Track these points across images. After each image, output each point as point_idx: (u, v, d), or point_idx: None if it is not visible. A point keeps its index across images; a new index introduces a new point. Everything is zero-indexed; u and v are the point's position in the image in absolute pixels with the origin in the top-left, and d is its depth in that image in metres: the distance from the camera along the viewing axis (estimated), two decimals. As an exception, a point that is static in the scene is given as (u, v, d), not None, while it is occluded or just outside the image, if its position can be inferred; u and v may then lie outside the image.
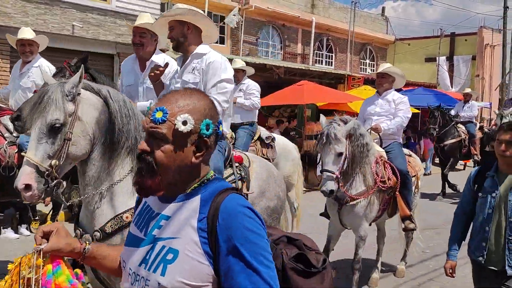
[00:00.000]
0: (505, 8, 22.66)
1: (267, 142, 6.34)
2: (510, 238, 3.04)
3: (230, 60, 6.46)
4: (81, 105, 2.57)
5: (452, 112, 11.23)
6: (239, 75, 6.74)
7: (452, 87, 24.54)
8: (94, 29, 10.99)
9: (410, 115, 5.30)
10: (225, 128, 3.40)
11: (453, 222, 3.46)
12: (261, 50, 20.04)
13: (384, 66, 5.41)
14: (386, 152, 4.93)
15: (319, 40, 22.55)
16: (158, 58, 4.11)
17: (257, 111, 6.78)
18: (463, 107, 11.47)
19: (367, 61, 25.41)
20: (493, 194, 3.13)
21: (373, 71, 22.75)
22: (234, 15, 14.70)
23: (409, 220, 4.86)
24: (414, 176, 5.13)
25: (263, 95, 15.62)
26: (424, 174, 14.22)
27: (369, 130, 4.86)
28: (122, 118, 2.66)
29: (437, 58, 24.61)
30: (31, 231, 6.71)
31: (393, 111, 5.19)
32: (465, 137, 10.70)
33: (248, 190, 3.45)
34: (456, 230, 3.42)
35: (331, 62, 23.43)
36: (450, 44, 25.70)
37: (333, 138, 4.14)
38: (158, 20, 3.61)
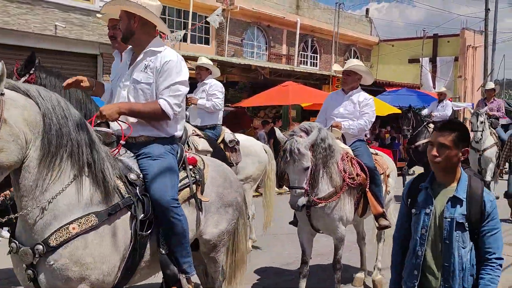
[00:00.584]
0: (487, 10, 22.99)
1: (230, 145, 5.98)
2: (446, 265, 2.50)
3: (186, 58, 6.15)
4: (6, 106, 2.29)
5: (425, 112, 10.72)
6: (202, 73, 6.35)
7: (435, 88, 24.79)
8: (77, 29, 10.90)
9: (374, 119, 5.06)
10: (179, 132, 3.24)
11: (392, 248, 2.88)
12: (246, 51, 20.04)
13: (350, 63, 5.12)
14: (352, 150, 4.76)
15: (304, 41, 22.62)
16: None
17: (221, 113, 6.32)
18: (437, 106, 11.16)
19: (352, 62, 25.57)
20: (427, 211, 2.57)
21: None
22: (217, 15, 14.73)
23: (382, 217, 4.72)
24: (382, 174, 4.93)
25: (248, 95, 15.71)
26: (408, 174, 14.33)
27: (330, 128, 4.69)
28: (58, 119, 2.48)
29: (421, 59, 24.88)
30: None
31: (357, 113, 4.97)
32: None
33: (202, 194, 3.24)
34: (395, 258, 2.80)
35: (316, 63, 23.52)
36: (433, 45, 25.97)
37: (297, 154, 3.88)
38: (104, 9, 3.38)
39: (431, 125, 10.37)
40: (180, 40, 15.68)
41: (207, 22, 17.23)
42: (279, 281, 5.33)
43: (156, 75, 3.04)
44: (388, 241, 5.27)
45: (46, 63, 10.04)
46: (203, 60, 6.44)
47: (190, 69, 9.41)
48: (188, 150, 4.81)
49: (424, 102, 17.83)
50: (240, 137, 6.30)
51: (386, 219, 4.75)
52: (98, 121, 3.08)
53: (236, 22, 19.16)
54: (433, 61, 25.71)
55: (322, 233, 4.57)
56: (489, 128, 9.49)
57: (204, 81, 6.32)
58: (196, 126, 5.91)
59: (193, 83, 6.36)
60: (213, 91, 6.18)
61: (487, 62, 22.96)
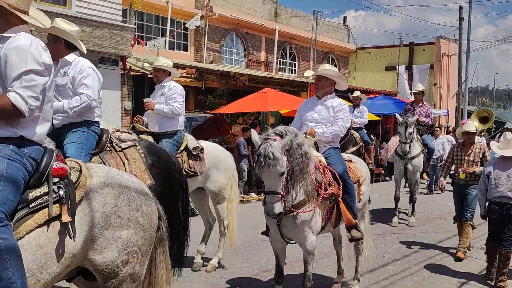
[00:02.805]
0: (460, 19, 23.55)
1: (194, 153, 5.51)
2: None
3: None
4: None
5: None
6: (159, 74, 5.87)
7: (411, 95, 25.22)
8: (53, 35, 10.74)
9: (349, 125, 4.85)
10: (37, 134, 2.64)
11: None
12: (225, 58, 20.06)
13: (321, 68, 4.95)
14: (324, 158, 4.60)
15: (282, 48, 22.77)
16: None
17: (182, 118, 5.83)
18: (353, 111, 10.45)
19: (330, 69, 25.80)
20: None
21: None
22: (195, 20, 14.87)
23: (355, 229, 4.55)
24: (356, 182, 4.79)
25: (227, 102, 15.68)
26: (386, 181, 14.44)
27: (303, 135, 4.50)
28: None
29: (397, 66, 25.27)
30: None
31: (331, 118, 4.83)
32: (362, 144, 9.91)
33: (71, 215, 2.50)
34: None
35: (295, 70, 23.69)
36: (409, 53, 26.43)
37: (272, 159, 3.71)
38: None
39: (354, 132, 9.90)
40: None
41: (186, 29, 17.23)
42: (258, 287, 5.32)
43: (2, 64, 2.51)
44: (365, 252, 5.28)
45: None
46: (161, 61, 5.92)
47: (149, 72, 8.62)
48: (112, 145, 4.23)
49: (401, 109, 18.07)
50: (202, 143, 5.84)
51: (359, 231, 4.62)
52: None
53: (215, 28, 19.18)
54: (409, 68, 26.16)
55: (294, 242, 4.39)
56: (416, 135, 8.86)
57: (162, 84, 5.86)
58: (155, 133, 5.58)
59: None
60: (172, 94, 5.71)
61: (461, 69, 23.46)
